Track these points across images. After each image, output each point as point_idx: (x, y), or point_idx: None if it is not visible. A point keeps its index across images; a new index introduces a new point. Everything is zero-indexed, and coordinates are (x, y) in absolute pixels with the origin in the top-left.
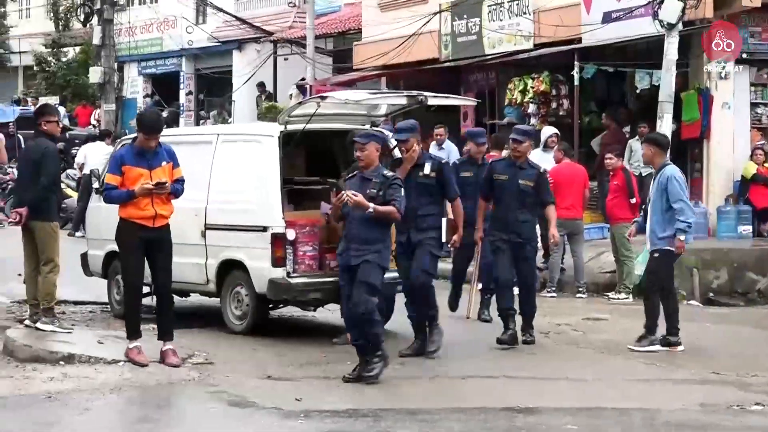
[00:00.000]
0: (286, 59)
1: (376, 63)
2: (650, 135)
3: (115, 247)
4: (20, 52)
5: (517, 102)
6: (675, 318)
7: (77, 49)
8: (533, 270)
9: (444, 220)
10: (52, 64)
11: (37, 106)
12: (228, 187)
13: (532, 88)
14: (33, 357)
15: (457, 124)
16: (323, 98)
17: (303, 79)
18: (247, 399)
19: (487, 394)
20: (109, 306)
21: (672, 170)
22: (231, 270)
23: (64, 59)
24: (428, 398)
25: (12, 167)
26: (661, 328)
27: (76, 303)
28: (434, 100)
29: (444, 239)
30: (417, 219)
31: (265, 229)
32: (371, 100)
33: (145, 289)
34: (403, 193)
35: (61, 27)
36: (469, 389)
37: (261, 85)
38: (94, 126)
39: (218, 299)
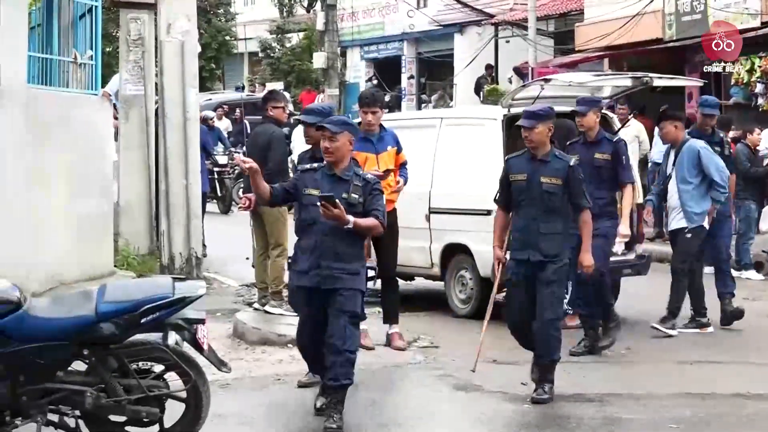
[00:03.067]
0: (507, 42)
1: (598, 44)
2: (671, 111)
3: None
4: (246, 39)
5: (744, 82)
6: (702, 298)
7: (301, 35)
8: (556, 299)
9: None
10: (277, 50)
11: (265, 92)
12: (451, 170)
13: (759, 67)
14: (262, 340)
15: (682, 105)
16: (547, 81)
17: (525, 62)
18: (472, 382)
19: (712, 380)
20: None
21: (697, 144)
22: (455, 254)
23: (288, 45)
24: (654, 383)
25: (238, 152)
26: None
27: None
28: (659, 81)
29: (626, 231)
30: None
31: (489, 212)
32: (595, 82)
33: (371, 273)
34: (384, 201)
35: (285, 13)
36: (695, 374)
37: (489, 68)
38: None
39: (442, 283)
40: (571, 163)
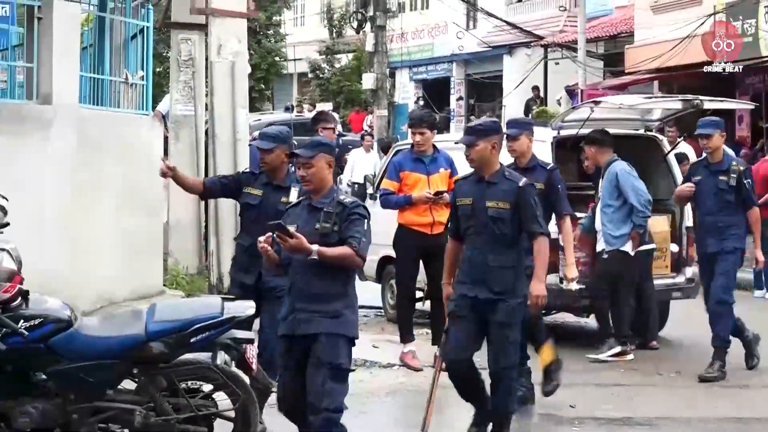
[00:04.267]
0: (557, 63)
1: (648, 66)
2: (589, 134)
3: (388, 252)
4: (295, 60)
5: None
6: (625, 324)
7: (350, 55)
8: (510, 345)
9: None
10: (326, 70)
11: (314, 113)
12: None
13: None
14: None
15: (733, 128)
16: (597, 103)
17: (575, 84)
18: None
19: (763, 405)
20: (382, 310)
21: (618, 166)
22: None
23: (337, 66)
24: (703, 407)
25: None
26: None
27: None
28: (710, 104)
29: (572, 273)
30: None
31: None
32: (645, 105)
33: (418, 294)
34: (367, 227)
35: (334, 34)
36: (745, 399)
37: (535, 89)
38: (366, 132)
39: None
40: (521, 184)
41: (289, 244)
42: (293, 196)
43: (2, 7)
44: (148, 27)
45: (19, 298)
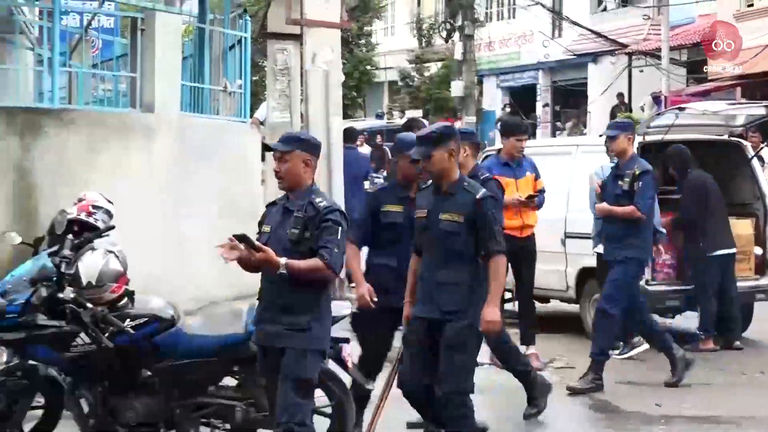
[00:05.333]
0: (641, 71)
1: (732, 73)
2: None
3: None
4: (386, 68)
5: None
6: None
7: (439, 64)
8: (459, 368)
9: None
10: (416, 78)
11: (405, 119)
12: (587, 196)
13: None
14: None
15: None
16: (681, 109)
17: (659, 91)
18: (609, 403)
19: None
20: None
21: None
22: (590, 277)
23: (426, 74)
24: None
25: (380, 177)
26: None
27: None
28: None
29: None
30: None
31: None
32: (729, 111)
33: (507, 295)
34: (341, 236)
35: (424, 44)
36: None
37: (620, 95)
38: None
39: (577, 305)
40: (479, 196)
41: (255, 259)
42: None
43: (107, 20)
44: (245, 37)
45: (126, 298)
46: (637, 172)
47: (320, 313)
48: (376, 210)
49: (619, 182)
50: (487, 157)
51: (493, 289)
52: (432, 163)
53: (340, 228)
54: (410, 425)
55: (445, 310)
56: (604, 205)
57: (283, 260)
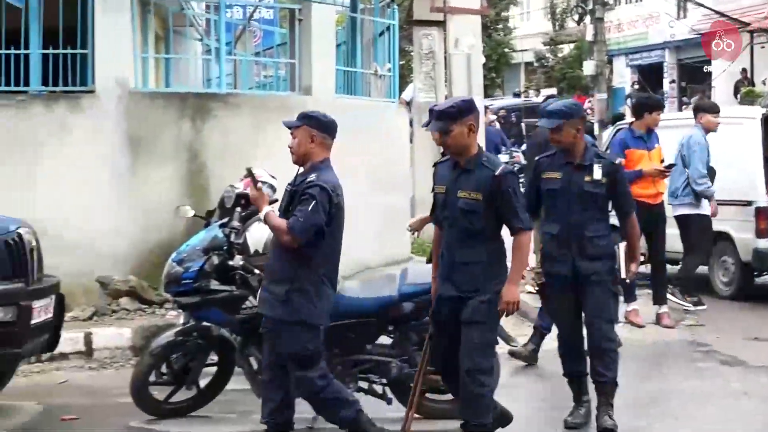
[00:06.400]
0: (762, 47)
1: None
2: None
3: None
4: (522, 50)
5: None
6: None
7: (572, 45)
8: (478, 345)
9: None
10: (550, 59)
11: (541, 97)
12: (714, 165)
13: None
14: None
15: None
16: None
17: None
18: (737, 358)
19: None
20: None
21: None
22: (718, 240)
23: (560, 55)
24: None
25: (517, 151)
26: None
27: None
28: None
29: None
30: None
31: (749, 203)
32: None
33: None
34: (312, 208)
35: (557, 27)
36: None
37: (743, 71)
38: (587, 114)
39: (706, 267)
40: (497, 172)
41: (252, 194)
42: (597, 174)
43: (267, 12)
44: (393, 25)
45: None
46: None
47: (301, 284)
48: (537, 178)
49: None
50: (619, 130)
51: (515, 266)
52: (451, 138)
53: (314, 201)
54: None
55: (463, 289)
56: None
57: (268, 208)
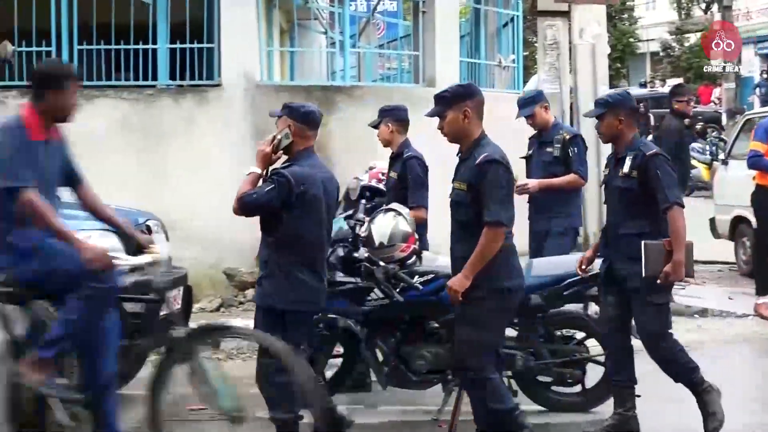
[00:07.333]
0: None
1: None
2: None
3: (741, 212)
4: (647, 40)
5: None
6: None
7: (698, 34)
8: (467, 344)
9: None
10: (676, 49)
11: (670, 87)
12: None
13: None
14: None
15: None
16: None
17: None
18: None
19: None
20: (736, 266)
21: None
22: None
23: (686, 44)
24: None
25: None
26: None
27: (704, 262)
28: None
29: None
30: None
31: None
32: None
33: None
34: (269, 190)
35: (683, 15)
36: None
37: None
38: (714, 104)
39: None
40: (478, 161)
41: (259, 147)
42: (626, 167)
43: (390, 4)
44: (517, 16)
45: (414, 257)
46: (567, 137)
47: (272, 269)
48: None
49: (548, 149)
50: (761, 118)
51: (473, 257)
52: (445, 123)
53: (272, 185)
54: None
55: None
56: (542, 181)
57: (256, 169)
